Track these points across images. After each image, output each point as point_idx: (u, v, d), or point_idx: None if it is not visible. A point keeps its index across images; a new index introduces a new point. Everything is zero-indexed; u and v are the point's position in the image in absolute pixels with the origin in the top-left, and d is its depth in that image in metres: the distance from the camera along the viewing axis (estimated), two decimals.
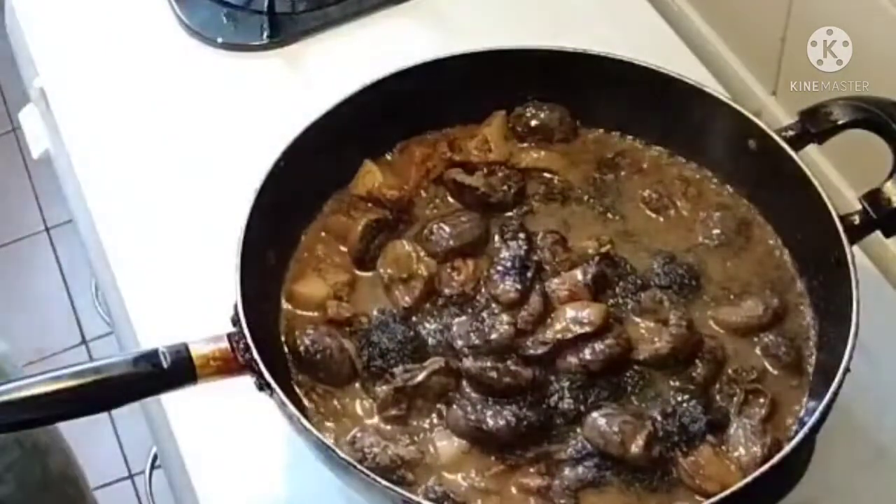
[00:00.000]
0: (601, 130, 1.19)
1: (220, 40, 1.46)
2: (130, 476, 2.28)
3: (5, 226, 2.69)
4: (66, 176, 1.42)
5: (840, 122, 1.05)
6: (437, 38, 1.39)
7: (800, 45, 1.21)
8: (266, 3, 1.44)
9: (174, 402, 1.12)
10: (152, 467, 1.87)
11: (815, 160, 1.19)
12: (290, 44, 1.46)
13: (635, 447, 0.96)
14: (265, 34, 1.45)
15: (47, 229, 2.69)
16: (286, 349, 1.05)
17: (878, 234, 1.08)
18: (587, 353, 1.01)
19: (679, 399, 1.00)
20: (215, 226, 1.12)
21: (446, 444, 0.99)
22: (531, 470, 0.97)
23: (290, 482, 1.09)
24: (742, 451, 0.97)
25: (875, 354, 1.11)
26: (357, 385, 1.03)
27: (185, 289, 1.22)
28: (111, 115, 1.41)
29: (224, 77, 1.43)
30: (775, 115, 1.30)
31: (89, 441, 1.82)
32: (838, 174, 1.25)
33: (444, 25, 1.45)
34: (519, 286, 1.06)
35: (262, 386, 0.96)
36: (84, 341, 2.50)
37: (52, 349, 2.44)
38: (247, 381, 0.97)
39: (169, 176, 1.34)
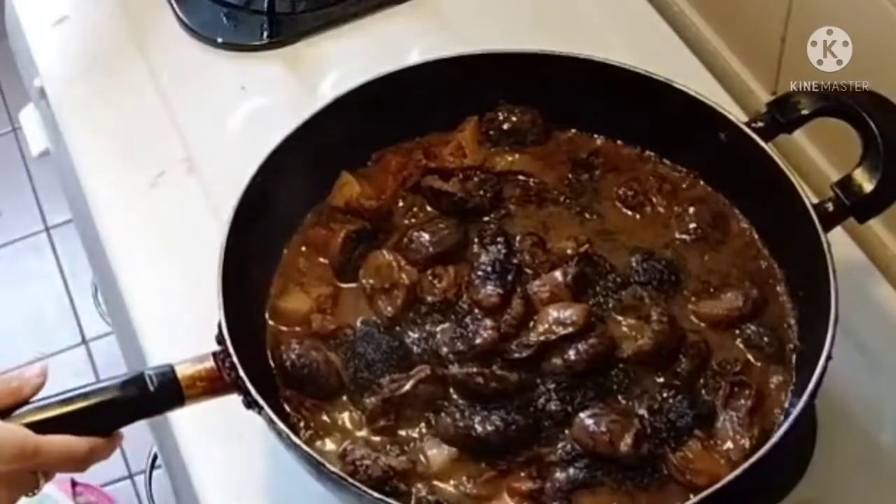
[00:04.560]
0: (574, 131, 1.19)
1: (220, 40, 1.46)
2: (130, 476, 2.26)
3: (5, 226, 2.67)
4: (66, 176, 1.42)
5: (807, 112, 1.06)
6: (437, 39, 1.39)
7: (800, 45, 1.20)
8: (266, 3, 1.45)
9: None
10: (152, 467, 1.87)
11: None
12: (290, 44, 1.46)
13: (624, 445, 0.96)
14: (265, 34, 1.46)
15: (47, 229, 2.67)
16: (273, 365, 1.05)
17: (876, 230, 1.08)
18: (571, 354, 1.02)
19: (665, 395, 1.01)
20: (215, 225, 1.11)
21: (436, 453, 0.99)
22: (522, 474, 0.98)
23: (291, 483, 1.08)
24: (730, 443, 0.98)
25: (875, 354, 1.11)
26: (345, 397, 1.04)
27: (185, 288, 1.22)
28: (111, 114, 1.40)
29: (224, 77, 1.43)
30: None
31: None
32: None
33: (444, 26, 1.45)
34: (500, 290, 1.06)
35: (250, 404, 0.96)
36: (84, 341, 2.48)
37: (52, 349, 2.43)
38: None
39: (169, 176, 1.34)
